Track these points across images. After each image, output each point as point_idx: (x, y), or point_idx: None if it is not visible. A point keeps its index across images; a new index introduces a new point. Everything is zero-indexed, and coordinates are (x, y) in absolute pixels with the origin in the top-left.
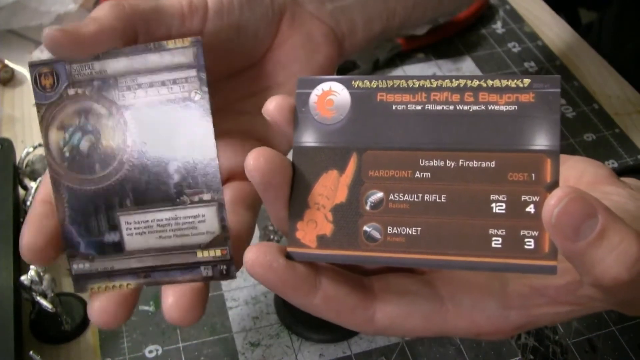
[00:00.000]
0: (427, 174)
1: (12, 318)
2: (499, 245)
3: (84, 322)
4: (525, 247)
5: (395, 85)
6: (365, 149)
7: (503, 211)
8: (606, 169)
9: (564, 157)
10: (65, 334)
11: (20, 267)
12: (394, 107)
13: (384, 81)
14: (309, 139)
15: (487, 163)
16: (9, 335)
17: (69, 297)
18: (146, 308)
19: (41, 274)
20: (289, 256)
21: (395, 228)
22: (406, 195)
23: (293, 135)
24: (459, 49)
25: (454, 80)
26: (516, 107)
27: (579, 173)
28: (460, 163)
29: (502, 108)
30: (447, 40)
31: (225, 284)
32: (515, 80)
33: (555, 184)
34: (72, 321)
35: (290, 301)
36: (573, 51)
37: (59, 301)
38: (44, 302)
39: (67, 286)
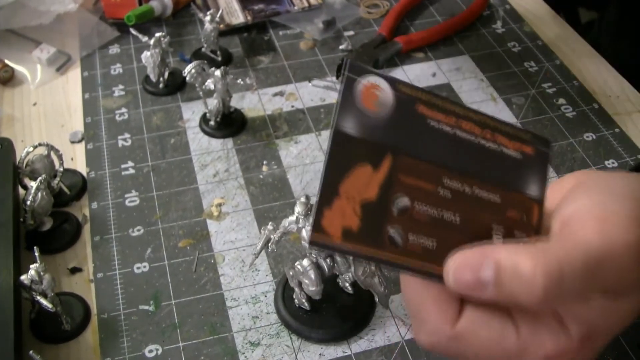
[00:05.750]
0: (448, 193)
1: (12, 318)
2: None
3: (84, 322)
4: None
5: (433, 102)
6: (400, 153)
7: (500, 241)
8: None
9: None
10: (65, 333)
11: (20, 266)
12: (429, 121)
13: (425, 93)
14: (350, 126)
15: (494, 196)
16: (8, 334)
17: (69, 296)
18: (146, 308)
19: (41, 273)
20: (312, 244)
21: (415, 236)
22: (429, 207)
23: (335, 117)
24: (459, 49)
25: (477, 114)
26: (520, 155)
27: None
28: (474, 191)
29: (511, 153)
30: (447, 40)
31: (224, 284)
32: (521, 132)
33: (538, 229)
34: (72, 321)
35: None
36: (573, 51)
37: (59, 301)
38: (44, 302)
39: (67, 286)
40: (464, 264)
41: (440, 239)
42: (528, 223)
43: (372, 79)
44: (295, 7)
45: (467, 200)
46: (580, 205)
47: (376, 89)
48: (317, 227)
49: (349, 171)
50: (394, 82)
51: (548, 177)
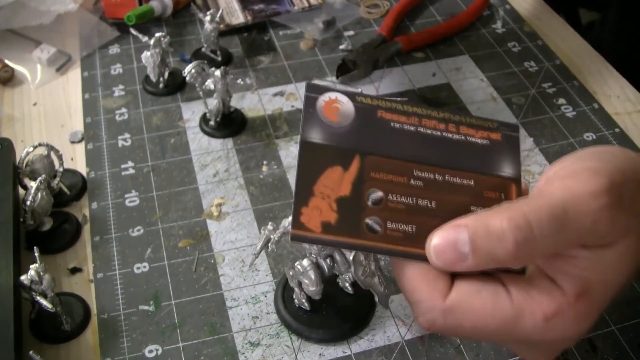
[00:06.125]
0: (420, 183)
1: (12, 318)
2: None
3: (84, 322)
4: None
5: (393, 107)
6: (367, 154)
7: None
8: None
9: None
10: (65, 333)
11: (20, 267)
12: (392, 124)
13: (383, 101)
14: (315, 136)
15: (467, 181)
16: (8, 334)
17: (68, 296)
18: (146, 308)
19: (41, 273)
20: (293, 238)
21: (394, 224)
22: (403, 197)
23: (301, 130)
24: (459, 49)
25: (439, 112)
26: (488, 142)
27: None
28: (446, 178)
29: (478, 141)
30: (447, 40)
31: (224, 284)
32: (487, 122)
33: None
34: (72, 321)
35: None
36: (573, 51)
37: (58, 301)
38: (44, 302)
39: (67, 286)
40: (441, 242)
41: (419, 224)
42: (507, 200)
43: (331, 95)
44: (296, 7)
45: (440, 187)
46: (551, 172)
47: (336, 102)
48: (296, 224)
49: (320, 173)
50: (352, 95)
51: (521, 157)
